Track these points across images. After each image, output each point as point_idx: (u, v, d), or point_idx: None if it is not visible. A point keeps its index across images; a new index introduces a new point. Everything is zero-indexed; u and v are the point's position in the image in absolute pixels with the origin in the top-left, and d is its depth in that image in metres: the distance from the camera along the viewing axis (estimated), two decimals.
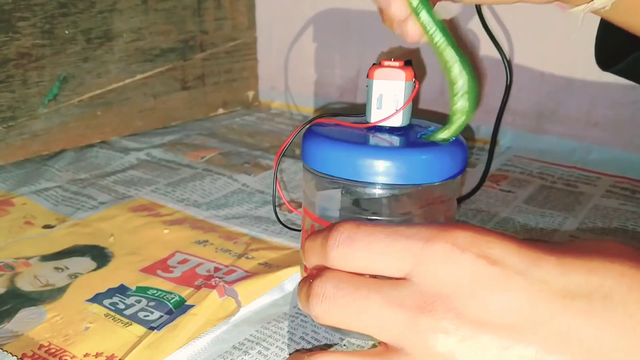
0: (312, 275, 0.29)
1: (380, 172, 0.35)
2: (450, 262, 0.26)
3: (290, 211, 0.56)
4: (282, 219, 0.50)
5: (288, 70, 0.90)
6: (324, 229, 0.30)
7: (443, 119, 0.37)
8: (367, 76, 0.38)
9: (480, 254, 0.25)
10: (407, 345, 0.26)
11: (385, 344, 0.27)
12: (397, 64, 0.38)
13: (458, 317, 0.25)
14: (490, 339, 0.25)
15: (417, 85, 0.38)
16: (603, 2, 0.40)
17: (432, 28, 0.34)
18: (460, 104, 0.35)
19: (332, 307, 0.28)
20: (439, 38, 0.34)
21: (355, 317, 0.27)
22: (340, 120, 0.40)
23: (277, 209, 0.50)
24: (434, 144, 0.36)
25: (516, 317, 0.25)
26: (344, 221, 0.29)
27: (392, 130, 0.38)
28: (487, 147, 0.61)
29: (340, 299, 0.27)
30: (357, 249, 0.28)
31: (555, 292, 0.25)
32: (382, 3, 0.36)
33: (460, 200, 0.58)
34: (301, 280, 0.31)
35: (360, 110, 0.40)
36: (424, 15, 0.34)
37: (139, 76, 0.76)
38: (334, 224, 0.29)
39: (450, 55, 0.34)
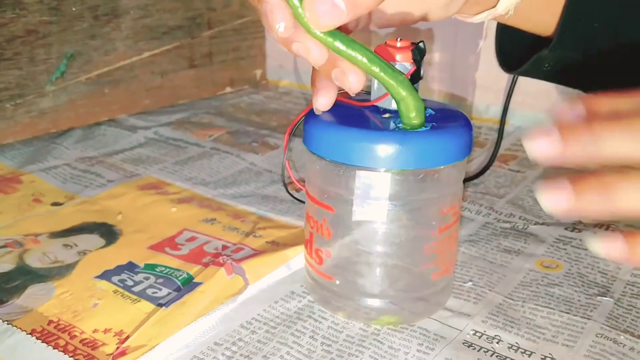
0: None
1: (380, 157, 0.34)
2: None
3: (298, 190, 0.56)
4: (289, 198, 0.50)
5: None
6: None
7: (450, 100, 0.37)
8: None
9: None
10: None
11: None
12: (400, 44, 0.37)
13: None
14: None
15: (413, 67, 0.37)
16: (506, 8, 0.40)
17: (361, 58, 0.32)
18: (412, 117, 0.35)
19: None
20: (366, 63, 0.33)
21: None
22: (346, 99, 0.39)
23: (286, 187, 0.49)
24: (436, 128, 0.35)
25: None
26: None
27: (390, 112, 0.37)
28: (497, 126, 0.60)
29: None
30: None
31: None
32: (301, 53, 0.32)
33: (470, 179, 0.58)
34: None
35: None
36: (349, 50, 0.32)
37: (146, 54, 0.76)
38: None
39: (386, 78, 0.33)
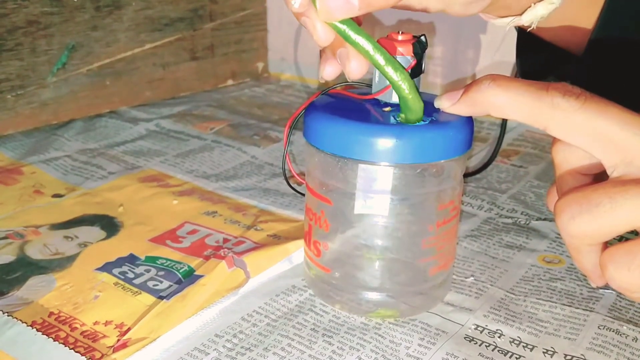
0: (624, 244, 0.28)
1: (382, 150, 0.34)
2: None
3: (300, 183, 0.55)
4: (291, 192, 0.50)
5: (298, 42, 0.89)
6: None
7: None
8: None
9: None
10: None
11: None
12: (401, 37, 0.36)
13: None
14: None
15: (414, 61, 0.36)
16: (530, 20, 0.39)
17: (370, 49, 0.32)
18: (411, 112, 0.35)
19: None
20: (377, 57, 0.33)
21: None
22: (348, 92, 0.39)
23: (287, 180, 0.49)
24: (436, 122, 0.35)
25: None
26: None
27: (390, 105, 0.37)
28: (499, 121, 0.60)
29: None
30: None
31: None
32: (308, 28, 0.33)
33: (472, 174, 0.58)
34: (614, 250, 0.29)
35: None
36: (355, 38, 0.32)
37: (148, 46, 0.76)
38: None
39: (388, 72, 0.33)
